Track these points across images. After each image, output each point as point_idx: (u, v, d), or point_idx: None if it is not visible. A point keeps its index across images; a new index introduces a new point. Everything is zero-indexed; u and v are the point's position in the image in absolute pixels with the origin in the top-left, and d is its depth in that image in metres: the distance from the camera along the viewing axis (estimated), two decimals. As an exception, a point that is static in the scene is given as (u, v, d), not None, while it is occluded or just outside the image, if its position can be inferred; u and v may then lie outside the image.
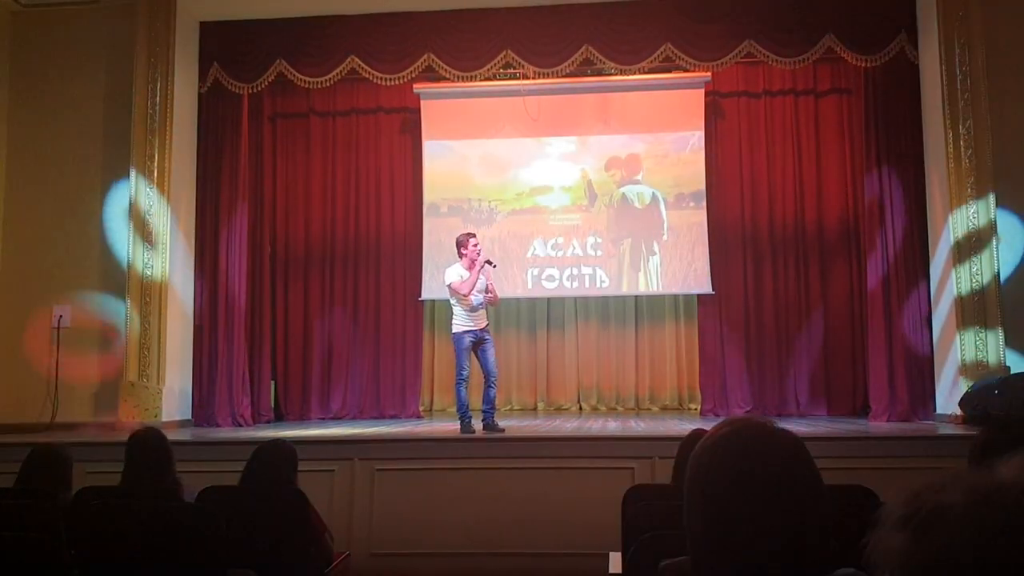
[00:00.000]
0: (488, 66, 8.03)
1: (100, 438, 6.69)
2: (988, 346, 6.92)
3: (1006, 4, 7.33)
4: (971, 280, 7.01)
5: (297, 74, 8.13)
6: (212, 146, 8.33)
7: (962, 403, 6.70)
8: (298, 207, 9.45)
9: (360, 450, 5.87)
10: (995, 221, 7.04)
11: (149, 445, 3.93)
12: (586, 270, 9.19)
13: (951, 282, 7.12)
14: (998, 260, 7.02)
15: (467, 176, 9.34)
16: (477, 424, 6.55)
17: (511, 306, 9.76)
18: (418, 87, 9.10)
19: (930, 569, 0.77)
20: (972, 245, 7.03)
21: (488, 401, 6.62)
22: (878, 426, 7.11)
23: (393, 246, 9.38)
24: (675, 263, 9.04)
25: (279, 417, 8.95)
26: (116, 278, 7.72)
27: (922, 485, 0.83)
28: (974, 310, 6.98)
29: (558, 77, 8.32)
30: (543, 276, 9.23)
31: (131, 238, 7.64)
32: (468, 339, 6.63)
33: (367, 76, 8.16)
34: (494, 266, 6.80)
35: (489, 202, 9.29)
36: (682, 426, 6.63)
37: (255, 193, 8.81)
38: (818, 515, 1.26)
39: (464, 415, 6.55)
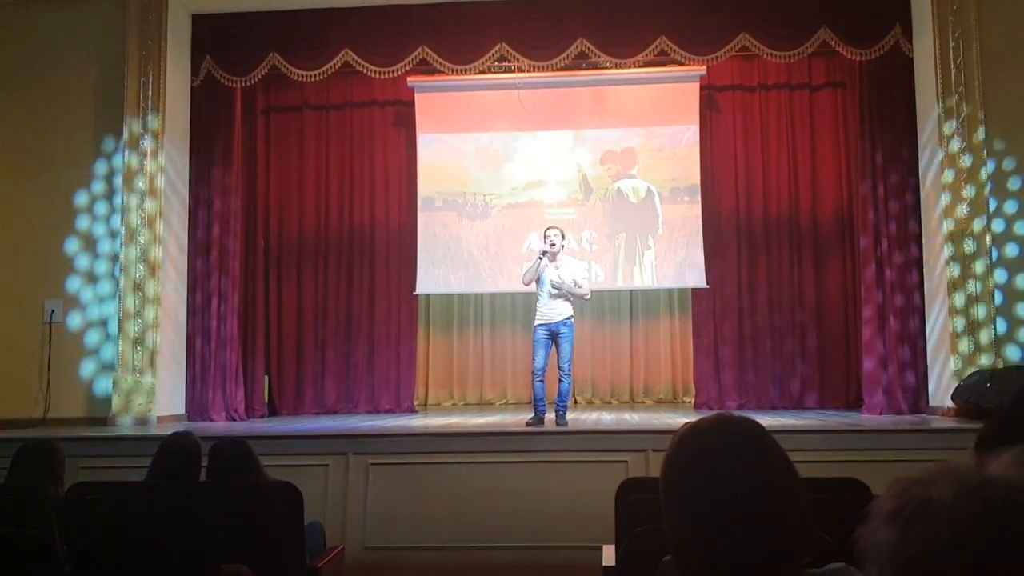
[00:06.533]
0: (483, 59, 8.02)
1: (93, 433, 6.68)
2: (981, 339, 6.94)
3: (1000, -3, 7.34)
4: (965, 273, 7.02)
5: (290, 67, 8.10)
6: (205, 140, 8.31)
7: (955, 396, 6.72)
8: (292, 201, 9.43)
9: (354, 444, 5.87)
10: (989, 215, 7.06)
11: (182, 453, 3.90)
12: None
13: (945, 275, 7.13)
14: (992, 253, 7.03)
15: (462, 170, 9.32)
16: (550, 415, 6.63)
17: (506, 301, 9.77)
18: (412, 80, 9.07)
19: (918, 563, 0.77)
20: (966, 239, 7.03)
21: (559, 395, 6.63)
22: (871, 419, 7.12)
23: (387, 240, 9.36)
24: (670, 257, 9.05)
25: (273, 411, 8.94)
26: (108, 272, 7.70)
27: (911, 479, 0.83)
28: (968, 303, 7.00)
29: (553, 71, 8.31)
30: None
31: (123, 232, 7.62)
32: (540, 332, 6.69)
33: (361, 69, 8.14)
34: (540, 256, 6.76)
35: (484, 196, 9.27)
36: (676, 419, 6.63)
37: (248, 187, 8.79)
38: (791, 503, 1.26)
39: (535, 406, 6.62)
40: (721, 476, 1.27)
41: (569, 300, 6.72)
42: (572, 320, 6.73)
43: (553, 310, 6.67)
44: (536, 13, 8.00)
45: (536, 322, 6.76)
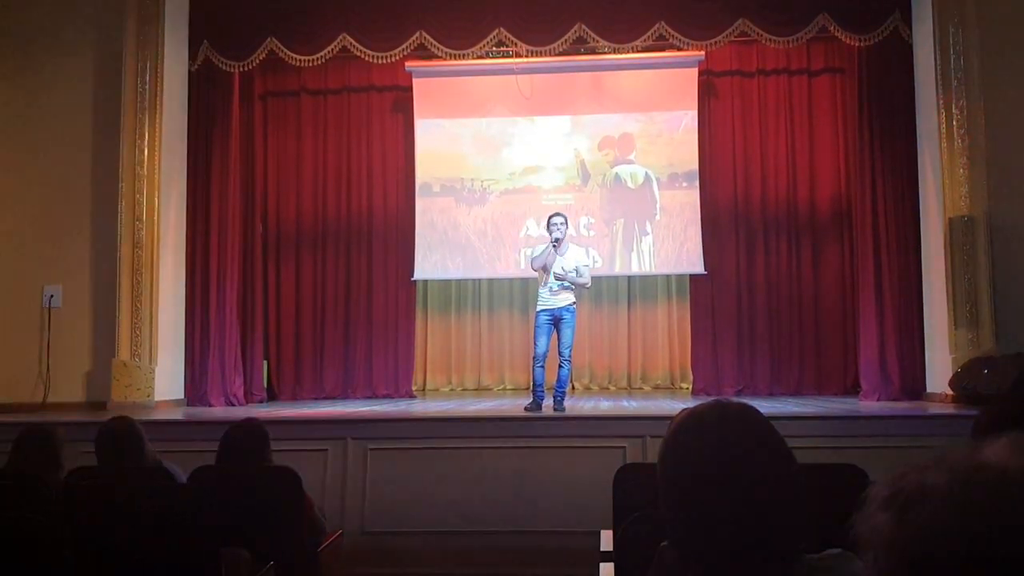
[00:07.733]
0: (480, 44, 7.98)
1: (93, 418, 6.69)
2: (979, 326, 6.95)
3: (1000, -17, 7.31)
4: (963, 260, 7.02)
5: (288, 52, 8.06)
6: (203, 125, 8.27)
7: (952, 383, 6.74)
8: (290, 186, 9.42)
9: (353, 429, 5.88)
10: (988, 200, 7.05)
11: (117, 436, 3.86)
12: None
13: (943, 262, 7.12)
14: (990, 239, 7.02)
15: (460, 155, 9.30)
16: (548, 402, 6.59)
17: (504, 286, 9.77)
18: (410, 65, 9.04)
19: (913, 549, 0.77)
20: (964, 225, 7.03)
21: (558, 380, 6.62)
22: (869, 406, 7.13)
23: (385, 225, 9.36)
24: (667, 243, 9.05)
25: (272, 396, 8.95)
26: (107, 257, 7.68)
27: (907, 465, 0.84)
28: (965, 290, 7.00)
29: (551, 56, 8.27)
30: (536, 256, 9.21)
31: (121, 217, 7.60)
32: (542, 317, 6.68)
33: (359, 54, 8.10)
34: (554, 245, 6.67)
35: (482, 181, 9.27)
36: (674, 405, 6.64)
37: (246, 172, 8.76)
38: (788, 489, 1.27)
39: (534, 392, 6.61)
40: (719, 462, 1.28)
41: (571, 288, 6.72)
42: (575, 306, 6.73)
43: (556, 296, 6.67)
44: (535, -3, 7.97)
45: (538, 307, 6.75)
